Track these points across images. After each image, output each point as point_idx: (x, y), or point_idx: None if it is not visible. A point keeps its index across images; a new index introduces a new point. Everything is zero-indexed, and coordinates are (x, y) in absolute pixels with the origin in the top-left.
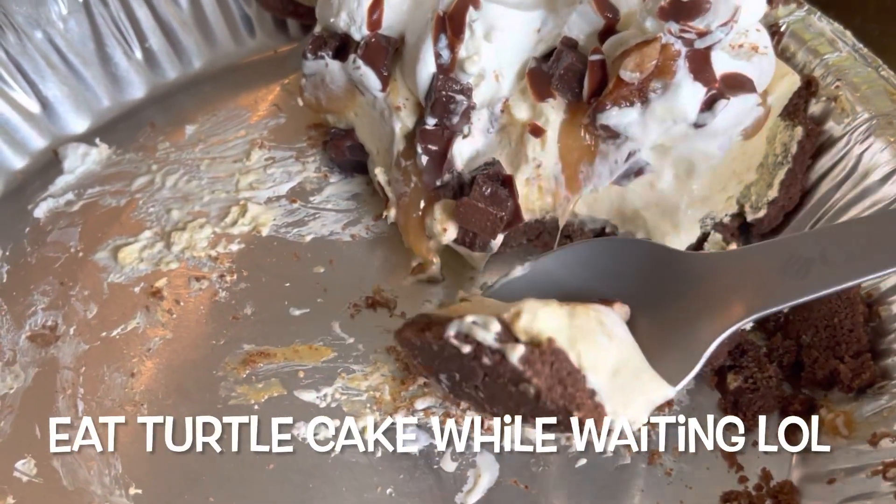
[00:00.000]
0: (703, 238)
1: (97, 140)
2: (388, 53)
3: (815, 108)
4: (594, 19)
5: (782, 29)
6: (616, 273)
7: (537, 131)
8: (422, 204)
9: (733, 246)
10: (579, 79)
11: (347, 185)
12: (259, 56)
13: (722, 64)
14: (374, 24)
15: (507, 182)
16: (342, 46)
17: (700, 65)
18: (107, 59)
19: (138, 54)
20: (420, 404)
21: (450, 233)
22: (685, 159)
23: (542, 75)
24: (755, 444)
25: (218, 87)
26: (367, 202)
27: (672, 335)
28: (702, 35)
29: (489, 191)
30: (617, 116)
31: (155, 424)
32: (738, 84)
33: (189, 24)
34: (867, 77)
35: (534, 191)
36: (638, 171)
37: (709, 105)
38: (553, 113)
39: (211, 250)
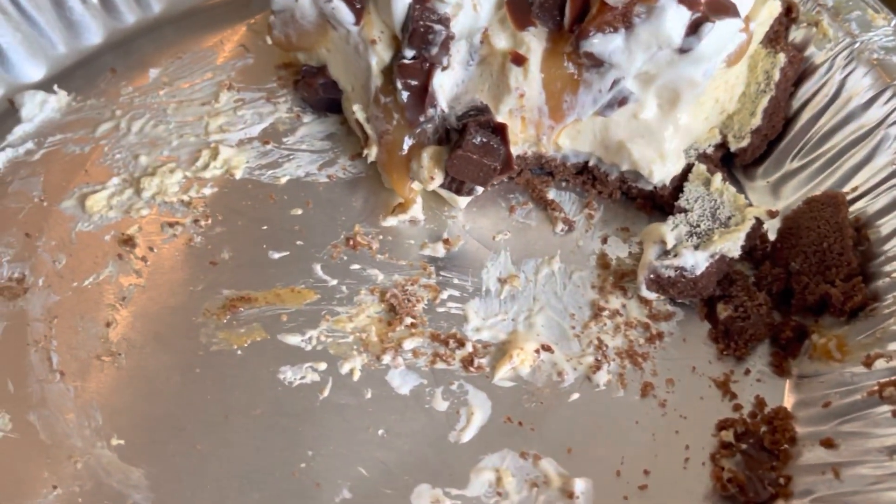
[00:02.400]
0: (688, 169)
1: (55, 87)
2: None
3: (796, 34)
4: None
5: None
6: None
7: (519, 60)
8: (406, 143)
9: (718, 175)
10: (560, 5)
11: (321, 124)
12: None
13: None
14: None
15: (499, 130)
16: None
17: None
18: (61, 4)
19: None
20: (408, 345)
21: (437, 180)
22: (669, 88)
23: (521, 3)
24: (748, 371)
25: (180, 30)
26: (343, 142)
27: None
28: None
29: (481, 140)
30: (601, 43)
31: (135, 373)
32: (721, 8)
33: None
34: (848, 1)
35: (517, 123)
36: (622, 101)
37: (694, 29)
38: (535, 41)
39: (183, 195)
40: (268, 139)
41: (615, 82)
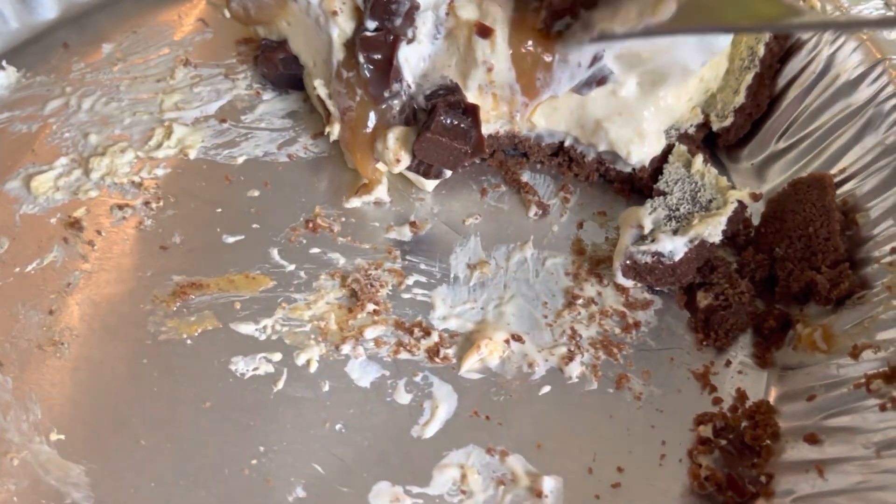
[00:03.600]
0: (668, 150)
1: (3, 63)
2: None
3: None
4: None
5: None
6: None
7: (485, 31)
8: (370, 120)
9: (699, 156)
10: None
11: (282, 102)
12: None
13: None
14: None
15: (470, 111)
16: None
17: None
18: None
19: None
20: (369, 333)
21: (403, 162)
22: (657, 72)
23: None
24: (728, 363)
25: (139, 4)
26: (305, 120)
27: None
28: None
29: (450, 122)
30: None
31: (79, 364)
32: None
33: None
34: None
35: (488, 100)
36: (601, 80)
37: None
38: (500, 10)
39: (134, 176)
40: (225, 117)
41: (595, 58)
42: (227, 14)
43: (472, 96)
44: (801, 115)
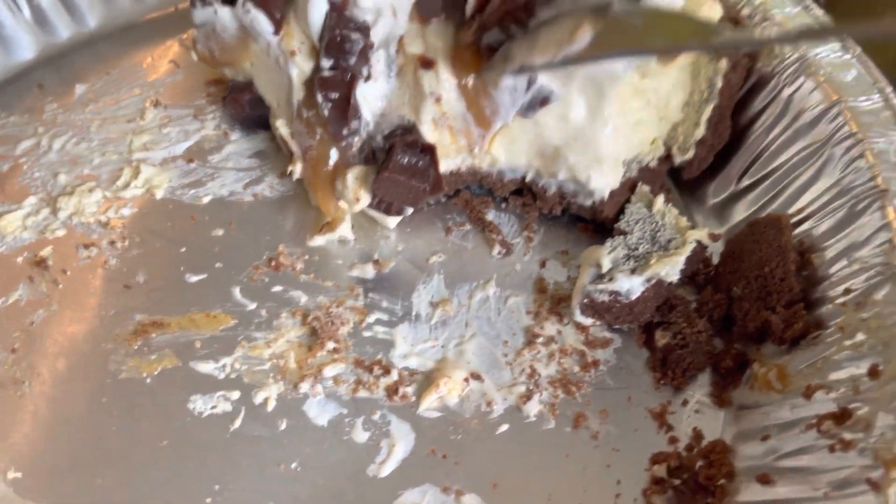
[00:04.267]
0: (631, 189)
1: None
2: None
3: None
4: None
5: None
6: None
7: (427, 63)
8: (331, 159)
9: (660, 196)
10: None
11: (249, 142)
12: (159, 12)
13: None
14: None
15: (427, 149)
16: None
17: None
18: None
19: (26, 12)
20: (329, 371)
21: (363, 201)
22: (593, 82)
23: (428, 1)
24: (685, 402)
25: (115, 45)
26: (271, 159)
27: None
28: None
29: (408, 161)
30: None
31: (39, 402)
32: None
33: None
34: (795, 15)
35: (445, 134)
36: (543, 100)
37: None
38: (440, 41)
39: (101, 215)
40: (192, 157)
41: (531, 81)
42: (194, 56)
43: (428, 131)
44: (762, 153)
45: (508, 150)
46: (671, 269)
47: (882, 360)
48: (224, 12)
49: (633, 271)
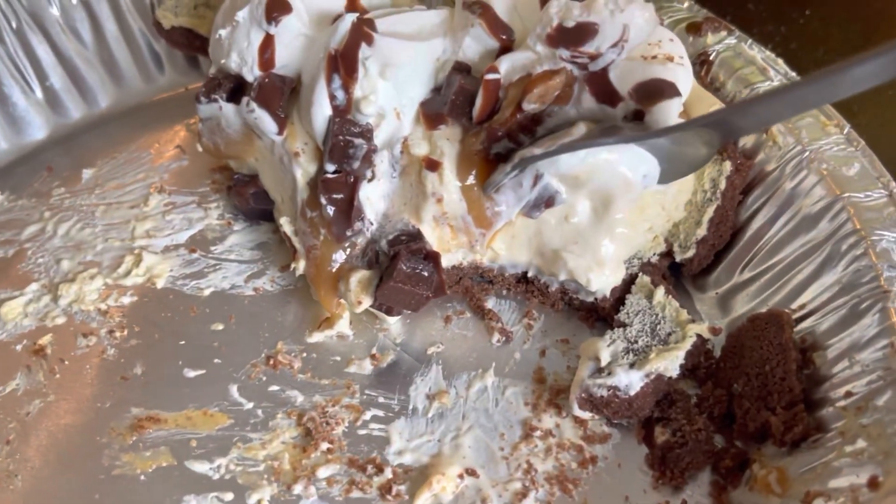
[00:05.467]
0: (631, 280)
1: None
2: (283, 94)
3: (746, 139)
4: (488, 41)
5: (711, 58)
6: None
7: (433, 165)
8: (334, 260)
9: (661, 289)
10: (471, 101)
11: (252, 233)
12: (169, 94)
13: (636, 73)
14: (267, 63)
15: (432, 257)
16: (237, 88)
17: (600, 86)
18: (4, 99)
19: (38, 93)
20: (322, 472)
21: (365, 304)
22: (602, 191)
23: (434, 103)
24: (684, 502)
25: (124, 127)
26: (274, 251)
27: None
28: (594, 58)
29: (412, 269)
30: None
31: (30, 497)
32: (655, 92)
33: (93, 61)
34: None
35: (445, 231)
36: (549, 201)
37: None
38: (448, 145)
39: (101, 303)
40: (195, 247)
41: (537, 178)
42: (200, 148)
43: (428, 228)
44: (764, 246)
45: (510, 245)
46: (671, 363)
47: (882, 472)
48: (228, 109)
49: (632, 365)
